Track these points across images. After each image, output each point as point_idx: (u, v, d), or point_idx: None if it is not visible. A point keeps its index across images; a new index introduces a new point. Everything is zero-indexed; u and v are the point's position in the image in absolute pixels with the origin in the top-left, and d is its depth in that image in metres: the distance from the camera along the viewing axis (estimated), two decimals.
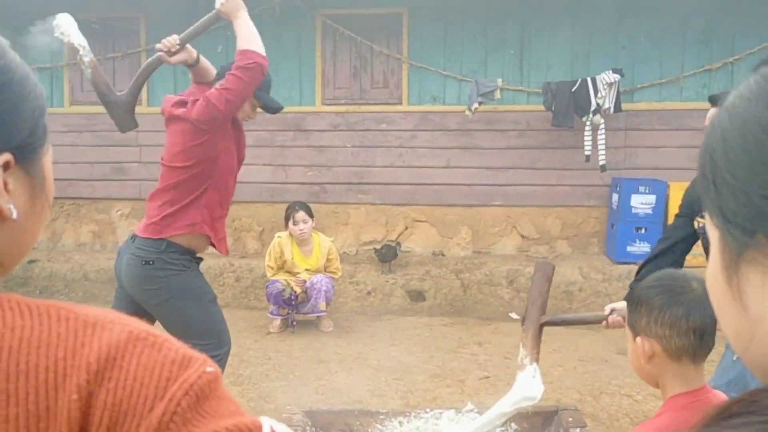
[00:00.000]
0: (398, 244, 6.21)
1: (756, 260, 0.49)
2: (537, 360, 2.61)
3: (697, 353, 1.38)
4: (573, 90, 5.92)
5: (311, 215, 5.17)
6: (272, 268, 5.13)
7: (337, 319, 5.46)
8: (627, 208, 5.85)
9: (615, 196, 6.03)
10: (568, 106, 5.92)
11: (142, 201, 7.40)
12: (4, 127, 0.64)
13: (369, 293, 6.25)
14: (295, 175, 6.71)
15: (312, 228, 5.19)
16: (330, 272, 5.25)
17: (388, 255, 6.03)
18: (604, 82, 5.87)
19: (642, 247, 5.82)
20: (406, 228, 6.70)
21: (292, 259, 5.14)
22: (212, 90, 2.77)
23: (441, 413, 2.65)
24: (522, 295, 5.82)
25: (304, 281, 5.05)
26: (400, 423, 2.61)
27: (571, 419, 2.69)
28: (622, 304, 2.15)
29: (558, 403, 3.48)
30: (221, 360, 2.85)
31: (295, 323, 5.10)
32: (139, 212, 6.70)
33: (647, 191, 5.86)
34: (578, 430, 2.57)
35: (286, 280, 5.06)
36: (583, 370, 4.19)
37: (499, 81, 6.12)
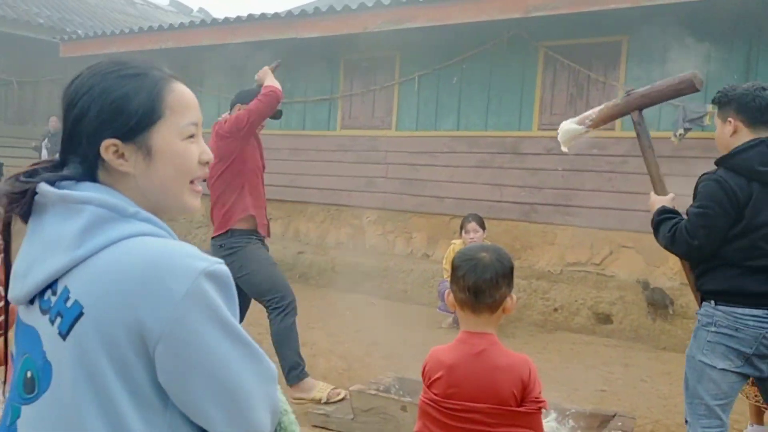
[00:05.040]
0: (670, 298, 5.77)
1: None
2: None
3: (474, 306, 1.81)
4: None
5: (483, 226, 5.59)
6: (447, 270, 5.27)
7: (506, 326, 5.65)
8: None
9: None
10: None
11: (387, 210, 7.61)
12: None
13: (555, 309, 6.14)
14: (509, 194, 6.97)
15: (483, 238, 5.49)
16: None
17: (657, 299, 5.77)
18: None
19: None
20: (611, 252, 6.56)
21: None
22: (241, 111, 3.77)
23: None
24: None
25: None
26: None
27: (620, 423, 3.03)
28: None
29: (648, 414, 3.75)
30: (286, 309, 3.71)
31: None
32: (383, 219, 7.85)
33: None
34: None
35: None
36: None
37: (709, 107, 5.64)
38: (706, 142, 5.95)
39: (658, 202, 2.65)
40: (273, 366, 1.01)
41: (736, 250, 2.38)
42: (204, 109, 5.43)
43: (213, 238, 3.83)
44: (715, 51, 6.03)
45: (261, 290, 3.73)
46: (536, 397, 1.78)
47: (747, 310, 2.35)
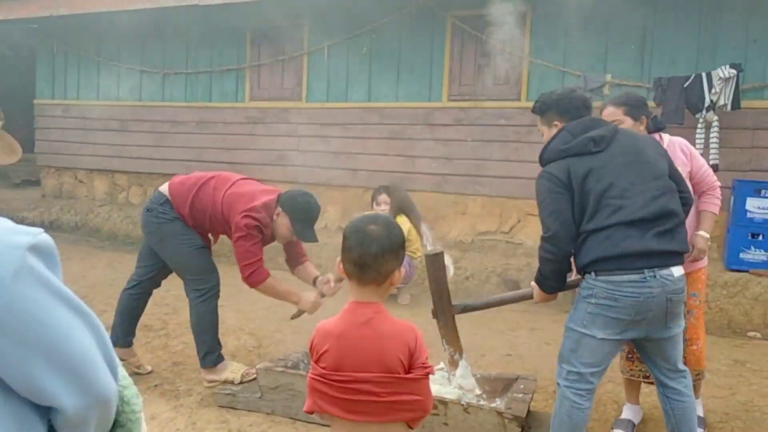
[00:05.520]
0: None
1: None
2: (462, 351, 2.94)
3: (360, 278, 1.78)
4: (685, 86, 5.57)
5: None
6: None
7: (420, 296, 5.68)
8: (741, 213, 5.36)
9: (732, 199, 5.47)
10: (679, 101, 5.55)
11: (299, 184, 6.95)
12: None
13: (467, 278, 6.14)
14: (421, 165, 7.00)
15: None
16: (409, 252, 5.40)
17: None
18: (720, 78, 5.43)
19: (758, 255, 5.30)
20: (519, 221, 6.63)
21: None
22: (243, 255, 3.55)
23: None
24: None
25: None
26: None
27: (522, 386, 3.11)
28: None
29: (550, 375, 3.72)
30: (208, 293, 3.61)
31: None
32: None
33: None
34: (521, 395, 2.99)
35: None
36: None
37: (608, 76, 5.84)
38: None
39: (535, 287, 2.71)
40: (103, 327, 0.99)
41: (591, 217, 2.41)
42: (102, 79, 5.10)
43: (156, 191, 3.73)
44: (614, 21, 6.26)
45: (179, 269, 3.65)
46: (423, 363, 1.78)
47: (624, 277, 2.36)
